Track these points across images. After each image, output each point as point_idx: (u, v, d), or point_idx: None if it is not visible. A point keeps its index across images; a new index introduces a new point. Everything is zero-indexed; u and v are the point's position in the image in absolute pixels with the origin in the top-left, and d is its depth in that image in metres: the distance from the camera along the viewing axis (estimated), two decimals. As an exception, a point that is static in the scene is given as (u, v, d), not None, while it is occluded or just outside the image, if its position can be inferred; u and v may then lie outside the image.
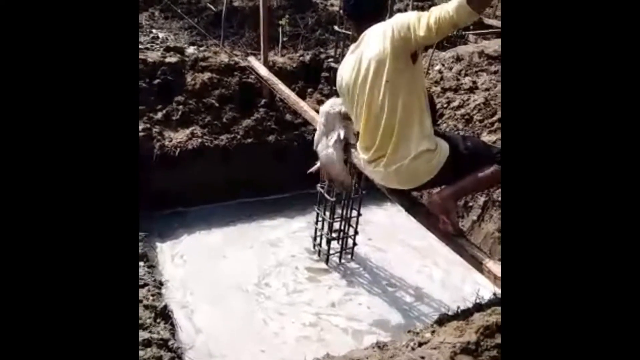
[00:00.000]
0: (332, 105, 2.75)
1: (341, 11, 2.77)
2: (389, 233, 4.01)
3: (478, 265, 2.14)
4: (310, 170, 3.02)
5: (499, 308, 2.05)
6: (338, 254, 3.66)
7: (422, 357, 1.73)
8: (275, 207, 4.29)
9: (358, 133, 2.34)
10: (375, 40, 2.05)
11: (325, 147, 2.74)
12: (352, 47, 2.23)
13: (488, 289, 2.80)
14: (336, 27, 3.27)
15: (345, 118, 2.68)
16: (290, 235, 3.97)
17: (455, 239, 2.24)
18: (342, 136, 2.68)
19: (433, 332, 1.99)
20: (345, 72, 2.23)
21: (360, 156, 2.38)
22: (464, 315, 2.10)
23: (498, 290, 2.20)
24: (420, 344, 1.87)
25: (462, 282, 3.42)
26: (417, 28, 1.90)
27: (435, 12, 1.86)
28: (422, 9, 2.02)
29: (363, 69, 2.10)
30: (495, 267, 2.08)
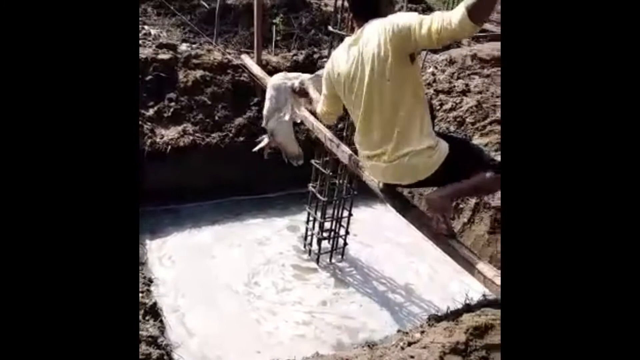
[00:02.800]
0: (284, 79, 2.75)
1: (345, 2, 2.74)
2: (376, 232, 4.04)
3: (469, 267, 2.16)
4: (258, 147, 2.97)
5: (488, 309, 2.07)
6: (328, 254, 3.66)
7: (412, 357, 1.74)
8: (265, 206, 4.29)
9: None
10: (375, 38, 2.03)
11: (279, 123, 2.76)
12: (349, 39, 2.21)
13: (476, 290, 2.81)
14: (330, 28, 3.27)
15: (294, 92, 2.73)
16: (276, 233, 3.97)
17: (447, 239, 2.25)
18: (293, 111, 2.76)
19: (422, 332, 2.00)
20: (341, 64, 2.21)
21: (360, 153, 2.39)
22: (454, 315, 2.11)
23: (487, 291, 2.22)
24: (409, 344, 1.87)
25: (450, 280, 3.43)
26: (417, 32, 1.89)
27: (437, 21, 1.83)
28: (416, 11, 2.03)
29: (362, 65, 2.09)
30: (486, 268, 2.10)
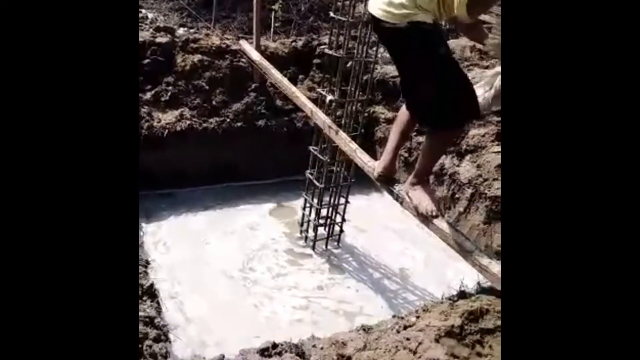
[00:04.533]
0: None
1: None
2: (372, 219, 4.06)
3: (464, 254, 2.19)
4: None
5: (483, 295, 2.10)
6: (324, 240, 3.68)
7: (408, 339, 1.76)
8: (260, 192, 4.30)
9: None
10: None
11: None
12: None
13: (471, 277, 2.84)
14: (331, 14, 3.26)
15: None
16: (270, 219, 3.99)
17: (434, 220, 2.28)
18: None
19: (418, 316, 2.03)
20: None
21: None
22: (449, 301, 2.14)
23: (482, 279, 2.25)
24: (405, 327, 1.90)
25: (445, 266, 3.45)
26: None
27: None
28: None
29: None
30: (481, 256, 2.12)
